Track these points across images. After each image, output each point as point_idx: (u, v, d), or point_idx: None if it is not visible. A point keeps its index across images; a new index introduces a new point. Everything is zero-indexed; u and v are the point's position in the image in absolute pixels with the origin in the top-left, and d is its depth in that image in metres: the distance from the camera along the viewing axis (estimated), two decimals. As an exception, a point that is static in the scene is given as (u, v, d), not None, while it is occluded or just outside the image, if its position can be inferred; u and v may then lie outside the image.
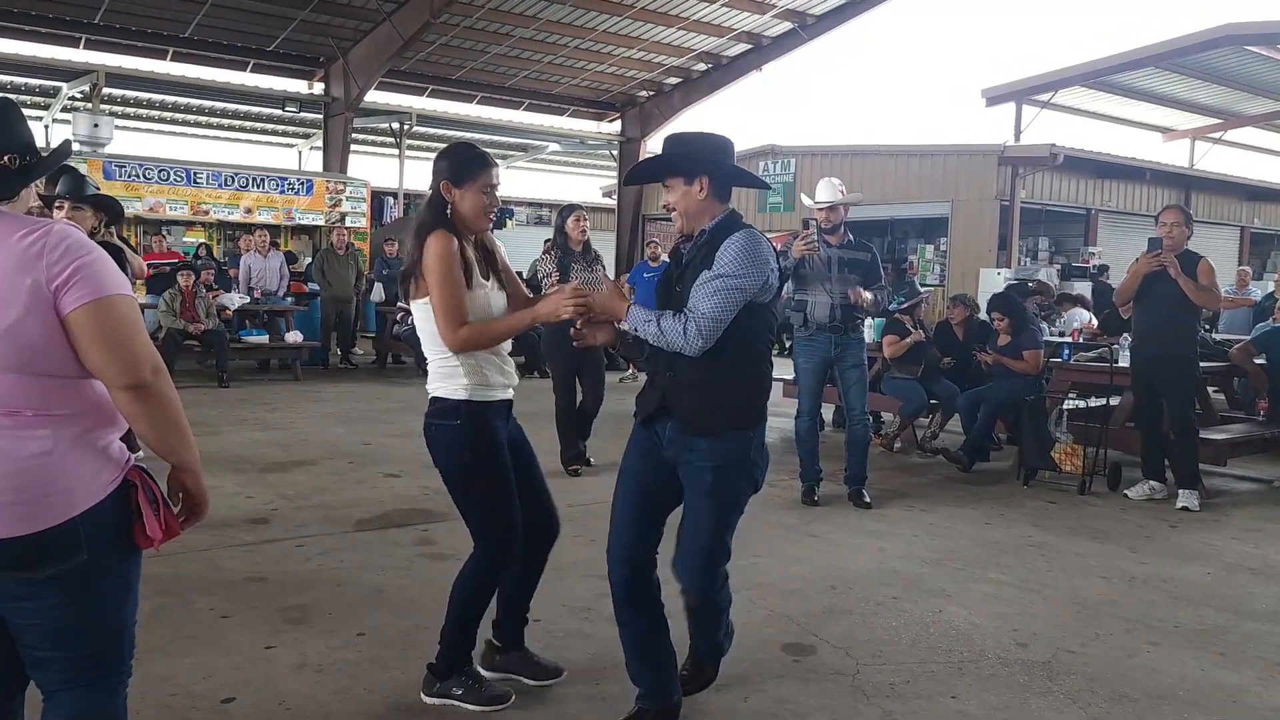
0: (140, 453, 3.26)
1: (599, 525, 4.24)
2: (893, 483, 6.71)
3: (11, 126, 1.91)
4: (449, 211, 3.00)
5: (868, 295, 5.90)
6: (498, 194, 3.08)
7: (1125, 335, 7.01)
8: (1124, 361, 6.84)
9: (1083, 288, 16.11)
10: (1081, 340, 9.12)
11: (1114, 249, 18.38)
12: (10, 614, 1.84)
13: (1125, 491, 6.44)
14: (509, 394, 3.11)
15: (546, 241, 7.90)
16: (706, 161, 2.94)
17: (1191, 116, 22.41)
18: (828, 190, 6.03)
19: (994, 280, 15.62)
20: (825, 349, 5.96)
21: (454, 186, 3.00)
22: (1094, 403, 7.27)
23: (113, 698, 1.96)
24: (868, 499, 5.98)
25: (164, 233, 14.15)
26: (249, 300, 11.25)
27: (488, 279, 3.03)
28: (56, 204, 4.98)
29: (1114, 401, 6.94)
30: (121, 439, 1.96)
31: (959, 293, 10.02)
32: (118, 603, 1.92)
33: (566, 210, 7.07)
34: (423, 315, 3.01)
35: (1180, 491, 6.23)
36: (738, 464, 2.89)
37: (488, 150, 3.14)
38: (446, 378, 3.04)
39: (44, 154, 1.98)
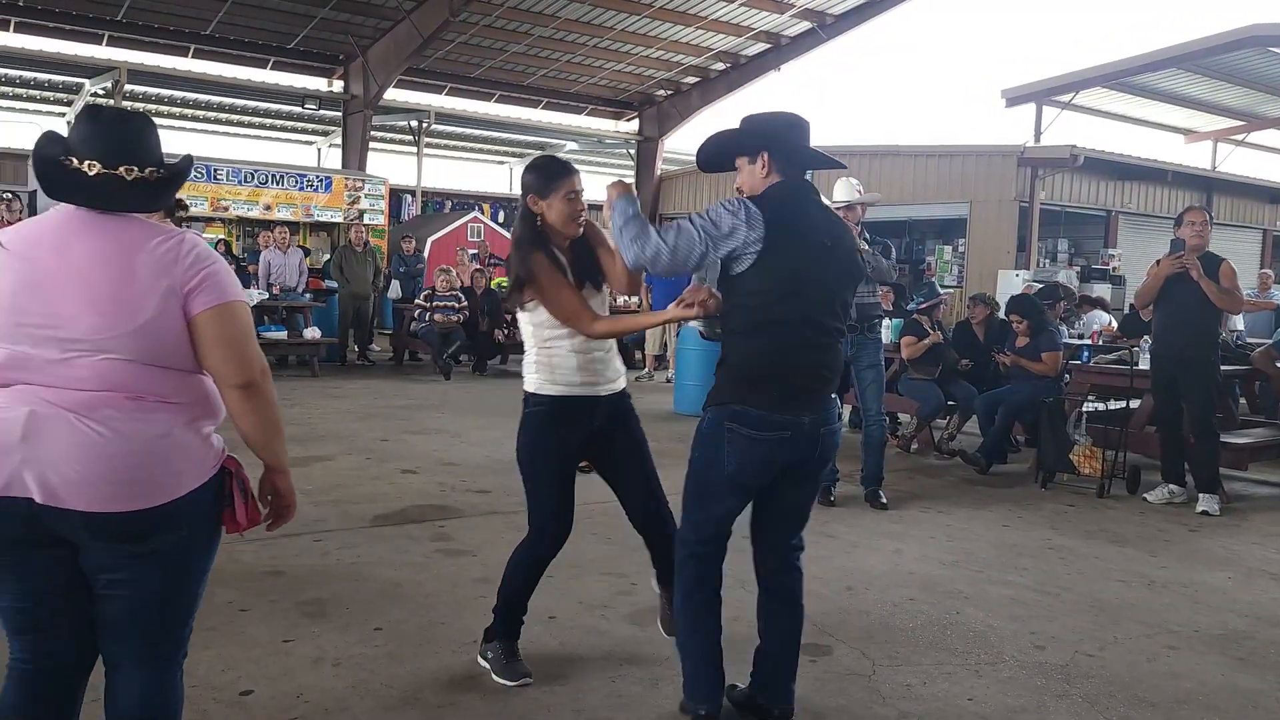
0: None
1: (613, 524, 4.25)
2: (910, 484, 6.69)
3: (153, 143, 2.09)
4: (539, 222, 3.15)
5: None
6: (583, 198, 3.19)
7: (1145, 338, 6.96)
8: (1144, 364, 6.79)
9: (1102, 290, 16.03)
10: (1101, 343, 9.07)
11: (1134, 251, 18.26)
12: (104, 586, 2.00)
13: (1144, 495, 6.40)
14: (589, 391, 3.19)
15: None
16: (768, 138, 2.90)
17: (1214, 118, 22.23)
18: (845, 190, 6.01)
19: (1013, 282, 15.53)
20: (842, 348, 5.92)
21: (540, 199, 3.14)
22: (1113, 405, 7.24)
23: (176, 671, 2.12)
24: (884, 500, 5.96)
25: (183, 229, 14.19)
26: (267, 296, 11.30)
27: (582, 285, 3.16)
28: None
29: (1134, 404, 6.91)
30: None
31: (979, 292, 9.98)
32: (199, 579, 2.10)
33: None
34: (525, 320, 3.21)
35: (1200, 496, 6.18)
36: (701, 441, 2.92)
37: (567, 159, 3.31)
38: (528, 372, 3.25)
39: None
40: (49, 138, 2.07)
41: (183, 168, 2.14)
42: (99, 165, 1.99)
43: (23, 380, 1.93)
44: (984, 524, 5.64)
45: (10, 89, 21.69)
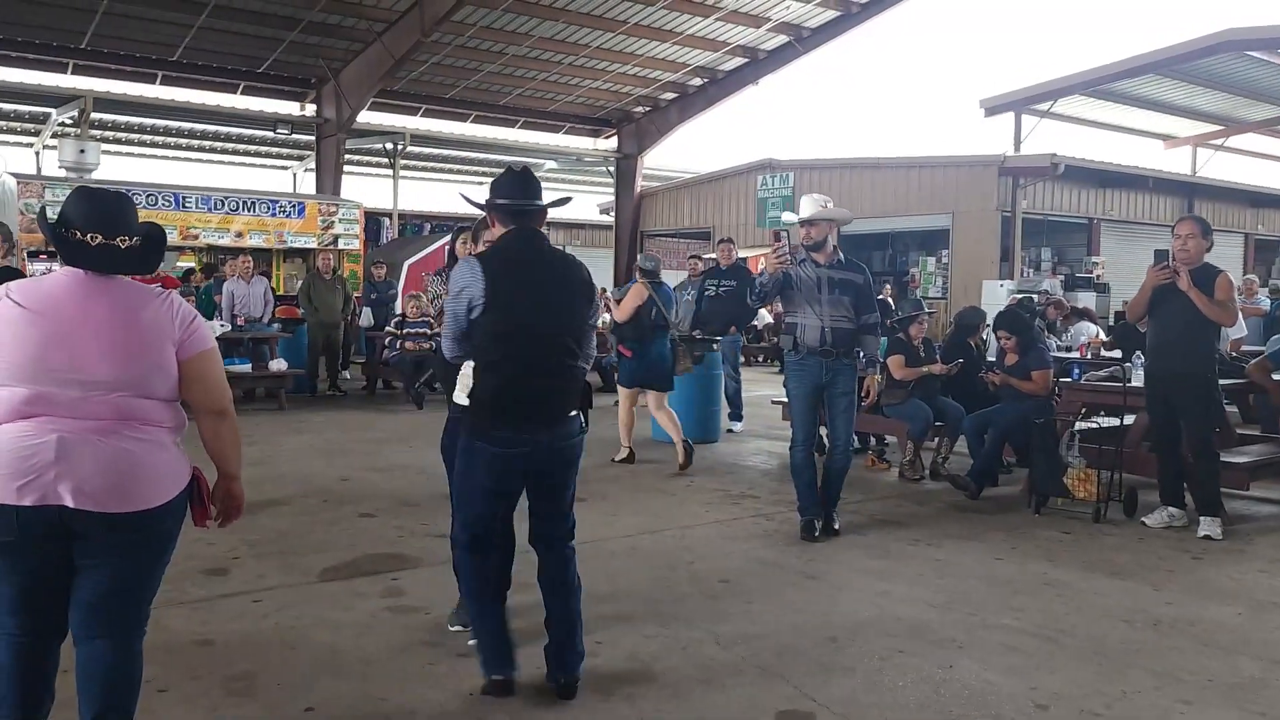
0: None
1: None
2: (897, 512, 6.36)
3: (135, 216, 2.58)
4: None
5: (878, 378, 6.23)
6: None
7: (1137, 353, 6.67)
8: (1138, 380, 6.50)
9: (1087, 298, 15.80)
10: (1089, 356, 8.80)
11: (1118, 258, 18.07)
12: (94, 568, 2.46)
13: (1143, 519, 6.09)
14: None
15: (412, 262, 7.84)
16: (491, 197, 3.46)
17: (1193, 123, 22.15)
18: (809, 206, 5.72)
19: (997, 292, 15.32)
20: (816, 374, 5.64)
21: None
22: (1106, 422, 6.94)
23: (138, 642, 2.60)
24: (837, 525, 5.73)
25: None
26: (230, 328, 10.93)
27: None
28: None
29: (1128, 420, 6.61)
30: None
31: (967, 306, 9.67)
32: (164, 563, 2.63)
33: (455, 231, 6.98)
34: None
35: (1201, 519, 5.88)
36: (461, 454, 3.41)
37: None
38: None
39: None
40: (44, 215, 2.72)
41: (158, 235, 2.63)
42: (100, 237, 2.48)
43: (45, 414, 2.40)
44: (975, 557, 5.32)
45: (-24, 119, 21.31)
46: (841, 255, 5.81)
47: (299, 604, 4.29)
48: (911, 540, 5.64)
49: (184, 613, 4.14)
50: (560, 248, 3.54)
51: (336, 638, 3.90)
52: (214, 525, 2.77)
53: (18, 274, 5.28)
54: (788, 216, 5.89)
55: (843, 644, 3.96)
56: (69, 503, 2.37)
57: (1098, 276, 17.46)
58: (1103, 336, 9.95)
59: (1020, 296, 11.77)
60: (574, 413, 3.40)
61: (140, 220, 2.58)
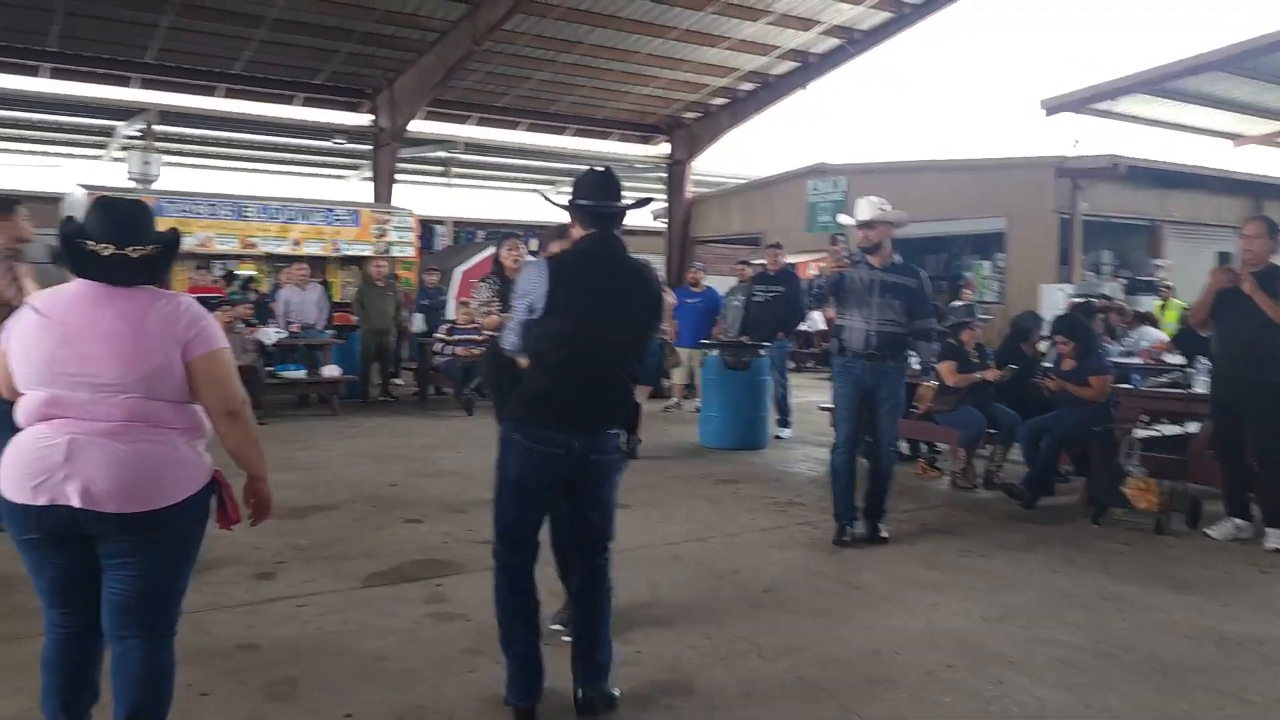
0: None
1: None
2: (948, 522, 6.23)
3: (151, 225, 2.67)
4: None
5: (932, 385, 5.85)
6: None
7: (1200, 358, 6.46)
8: (1201, 386, 6.30)
9: (1149, 304, 15.39)
10: (1151, 361, 8.56)
11: (1182, 262, 17.56)
12: (117, 567, 2.54)
13: (1207, 530, 5.88)
14: None
15: (464, 268, 7.94)
16: (572, 198, 3.38)
17: (1263, 122, 21.44)
18: (867, 209, 5.63)
19: (1055, 297, 14.96)
20: (860, 377, 5.56)
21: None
22: (1168, 430, 6.73)
23: (168, 641, 2.67)
24: (884, 535, 5.63)
25: (208, 267, 14.13)
26: (285, 335, 11.09)
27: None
28: None
29: (1192, 428, 6.40)
30: None
31: (1025, 311, 9.45)
32: (189, 563, 2.68)
33: (500, 239, 7.05)
34: None
35: (1268, 531, 5.67)
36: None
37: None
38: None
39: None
40: (70, 220, 2.63)
41: (172, 240, 2.69)
42: (112, 248, 2.55)
43: (59, 415, 2.50)
44: (1030, 569, 5.17)
45: (46, 133, 21.95)
46: (897, 258, 5.70)
47: (343, 609, 4.31)
48: (963, 551, 5.51)
49: (229, 616, 4.18)
50: (641, 258, 3.43)
51: (379, 644, 3.90)
52: (243, 526, 2.79)
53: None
54: (844, 219, 5.81)
55: (888, 658, 3.87)
56: (76, 503, 2.44)
57: (1161, 280, 16.99)
58: (1166, 340, 9.66)
59: (1080, 301, 11.46)
60: (614, 430, 3.33)
61: (166, 229, 2.66)
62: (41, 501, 2.46)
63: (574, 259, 3.30)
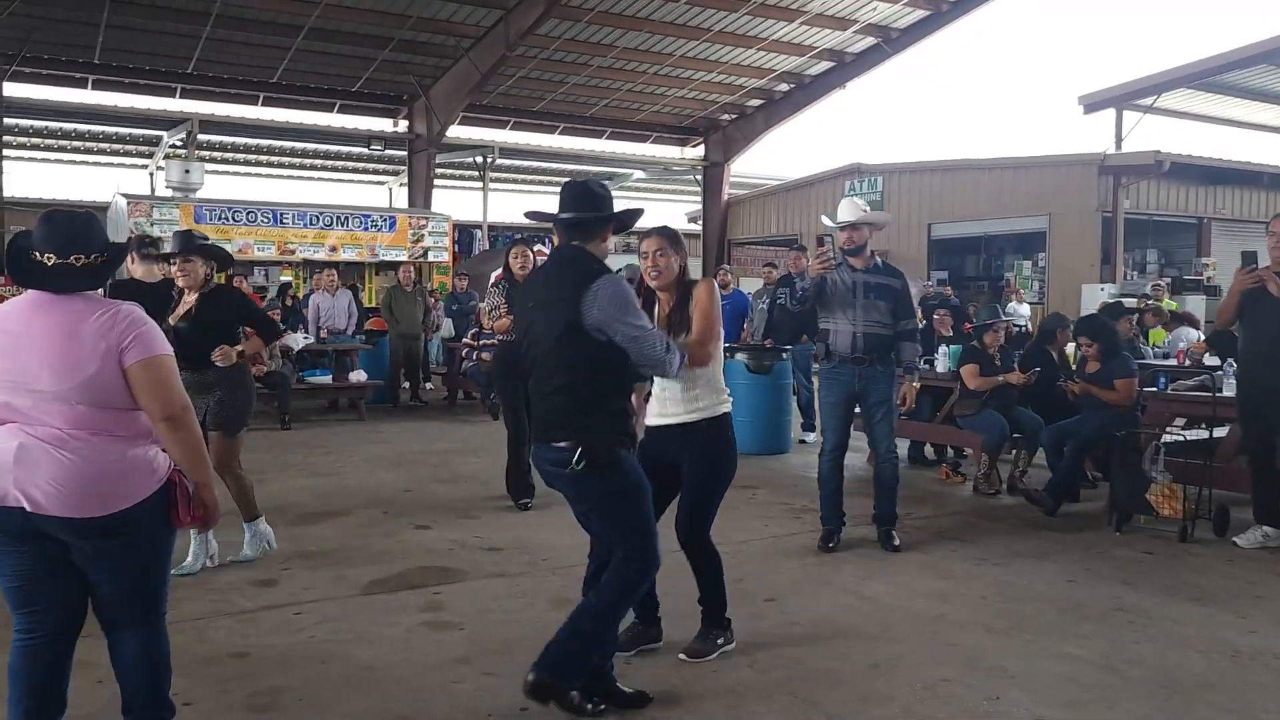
0: None
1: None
2: (967, 529, 6.09)
3: (97, 233, 2.74)
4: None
5: (915, 385, 5.72)
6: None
7: (1230, 361, 6.25)
8: (1230, 389, 6.10)
9: (1196, 302, 15.02)
10: (1188, 363, 8.32)
11: (1230, 260, 17.09)
12: (92, 570, 2.65)
13: (1234, 539, 5.69)
14: (654, 421, 3.80)
15: (496, 274, 7.90)
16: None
17: (1315, 115, 20.85)
18: (849, 210, 5.55)
19: (1098, 297, 14.67)
20: (849, 382, 5.46)
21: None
22: (1194, 435, 6.52)
23: (161, 624, 2.80)
24: (897, 542, 5.50)
25: (244, 275, 14.34)
26: (313, 340, 11.20)
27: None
28: (171, 260, 5.35)
29: (1219, 433, 6.20)
30: None
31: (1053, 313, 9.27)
32: (164, 560, 2.79)
33: (509, 245, 7.06)
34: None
35: (1298, 539, 5.47)
36: None
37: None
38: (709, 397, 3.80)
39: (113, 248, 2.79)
40: (22, 235, 2.73)
41: (118, 250, 2.79)
42: (55, 257, 2.63)
43: (11, 419, 2.58)
44: (1046, 579, 5.03)
45: (94, 144, 22.46)
46: (879, 260, 5.65)
47: (339, 618, 4.31)
48: (977, 559, 5.38)
49: (227, 624, 4.20)
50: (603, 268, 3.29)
51: (370, 652, 3.89)
52: (191, 527, 2.82)
53: (230, 293, 5.56)
54: (826, 222, 5.75)
55: (886, 670, 3.78)
56: (27, 506, 2.53)
57: (1208, 279, 16.59)
58: (1203, 341, 9.39)
59: (1111, 302, 11.21)
60: (561, 443, 3.17)
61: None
62: None
63: (532, 274, 3.50)
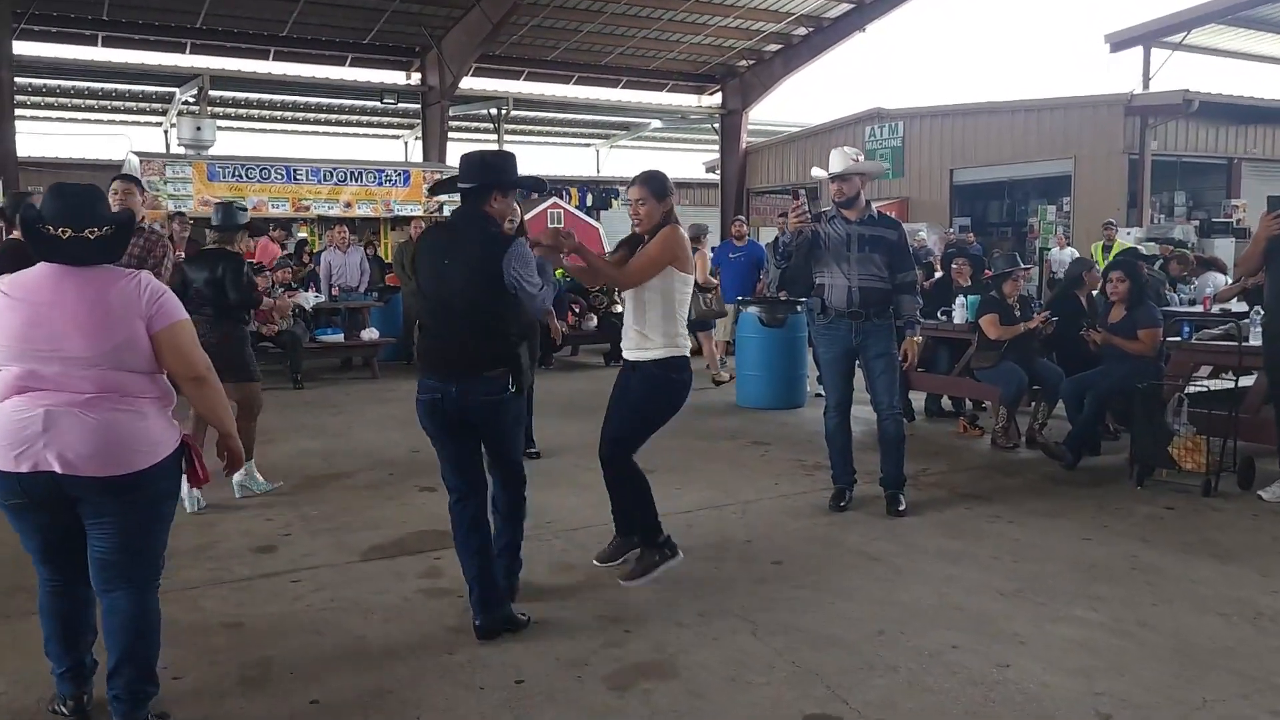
0: None
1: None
2: (982, 485, 5.95)
3: (105, 207, 2.88)
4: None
5: (916, 340, 5.51)
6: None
7: (1256, 308, 6.04)
8: (1256, 339, 5.89)
9: (1225, 245, 14.66)
10: (1215, 310, 8.09)
11: (1261, 201, 16.65)
12: (98, 526, 2.76)
13: (1260, 492, 5.53)
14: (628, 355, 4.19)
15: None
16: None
17: (1354, 48, 20.14)
18: (840, 160, 5.33)
19: (1124, 240, 14.33)
20: (846, 337, 5.30)
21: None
22: (1218, 384, 6.33)
23: (154, 592, 2.91)
24: (902, 506, 5.31)
25: (285, 232, 14.30)
26: (324, 299, 11.12)
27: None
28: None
29: (1245, 382, 6.00)
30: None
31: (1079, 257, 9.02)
32: (166, 521, 2.92)
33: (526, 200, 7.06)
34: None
35: (1326, 493, 5.30)
36: None
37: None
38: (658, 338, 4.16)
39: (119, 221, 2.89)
40: (28, 206, 2.93)
41: (126, 221, 2.89)
42: (70, 230, 2.73)
43: (34, 388, 2.68)
44: (1061, 536, 4.90)
45: (106, 102, 22.33)
46: (874, 211, 5.45)
47: (336, 585, 4.25)
48: (991, 517, 5.25)
49: (223, 593, 4.15)
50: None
51: (364, 622, 3.83)
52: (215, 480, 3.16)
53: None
54: (817, 172, 5.54)
55: (891, 637, 3.67)
56: (57, 469, 2.65)
57: (1238, 221, 16.16)
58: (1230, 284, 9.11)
59: (1138, 247, 10.91)
60: (491, 372, 3.61)
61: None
62: (25, 469, 2.66)
63: (431, 231, 4.03)
